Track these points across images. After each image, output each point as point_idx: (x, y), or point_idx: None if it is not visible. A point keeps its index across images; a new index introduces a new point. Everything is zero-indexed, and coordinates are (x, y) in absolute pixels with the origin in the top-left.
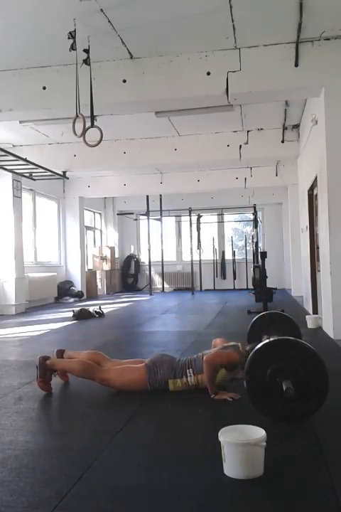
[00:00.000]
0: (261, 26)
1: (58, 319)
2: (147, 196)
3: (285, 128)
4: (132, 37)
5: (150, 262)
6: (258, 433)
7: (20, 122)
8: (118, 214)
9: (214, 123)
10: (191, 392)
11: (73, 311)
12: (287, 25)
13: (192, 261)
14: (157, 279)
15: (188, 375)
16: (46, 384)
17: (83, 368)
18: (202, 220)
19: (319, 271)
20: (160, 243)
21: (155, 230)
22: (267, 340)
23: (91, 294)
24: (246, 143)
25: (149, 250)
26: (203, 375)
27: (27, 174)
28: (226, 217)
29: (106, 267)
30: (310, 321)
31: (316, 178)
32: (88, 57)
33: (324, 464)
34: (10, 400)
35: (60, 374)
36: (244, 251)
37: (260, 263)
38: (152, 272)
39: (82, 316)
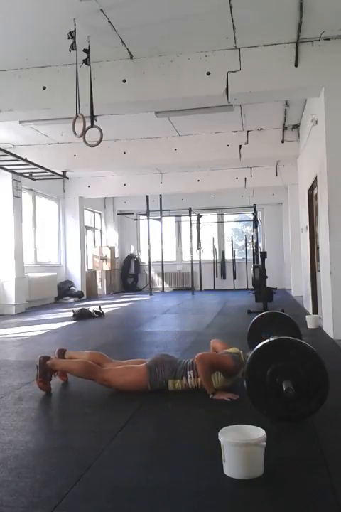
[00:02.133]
0: (261, 26)
1: (58, 319)
2: (147, 196)
3: (285, 128)
4: (132, 37)
5: (150, 262)
6: (258, 433)
7: (20, 122)
8: (118, 214)
9: (214, 123)
10: (191, 393)
11: (73, 311)
12: (287, 25)
13: (192, 261)
14: (157, 279)
15: (188, 376)
16: (46, 384)
17: (84, 368)
18: (202, 220)
19: (319, 271)
20: (160, 243)
21: (155, 230)
22: (267, 340)
23: (92, 294)
24: (246, 143)
25: (149, 250)
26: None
27: (27, 174)
28: (226, 217)
29: (106, 267)
30: (310, 321)
31: (316, 178)
32: (88, 57)
33: (324, 464)
34: (10, 400)
35: (60, 374)
36: (244, 251)
37: (260, 263)
38: (152, 272)
39: (82, 316)
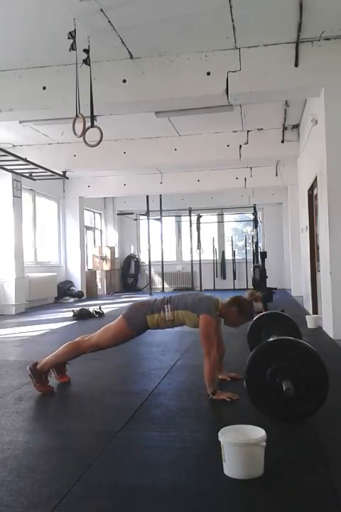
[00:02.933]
0: (261, 26)
1: (58, 319)
2: (147, 196)
3: (285, 128)
4: (132, 37)
5: (150, 262)
6: (258, 433)
7: (20, 122)
8: (118, 214)
9: (214, 123)
10: (191, 393)
11: (73, 311)
12: (287, 25)
13: (192, 261)
14: (157, 279)
15: (166, 310)
16: (45, 386)
17: (69, 348)
18: (202, 220)
19: (319, 271)
20: (160, 243)
21: (155, 230)
22: (267, 341)
23: (92, 294)
24: (246, 143)
25: (149, 250)
26: (181, 313)
27: (27, 174)
28: (226, 217)
29: (106, 267)
30: (310, 321)
31: (316, 178)
32: (88, 57)
33: (324, 463)
34: (10, 400)
35: (60, 377)
36: (244, 251)
37: (260, 263)
38: (152, 272)
39: (82, 316)
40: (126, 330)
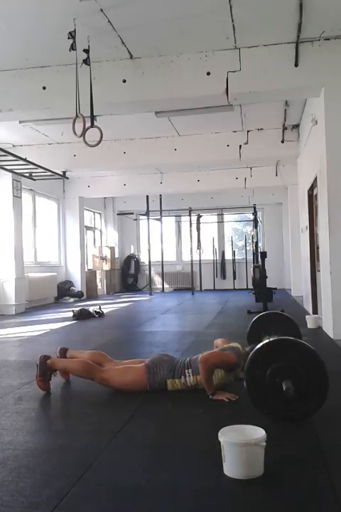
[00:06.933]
0: (261, 26)
1: (58, 319)
2: (147, 196)
3: (285, 128)
4: (132, 37)
5: (150, 262)
6: (258, 433)
7: (20, 122)
8: (118, 214)
9: (214, 123)
10: (191, 393)
11: (73, 311)
12: (287, 25)
13: (192, 261)
14: (157, 279)
15: (187, 375)
16: (45, 383)
17: (83, 368)
18: (202, 220)
19: (319, 271)
20: (160, 243)
21: (155, 230)
22: (267, 341)
23: (91, 294)
24: (246, 143)
25: (149, 250)
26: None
27: (27, 174)
28: (226, 217)
29: (106, 267)
30: (310, 321)
31: (316, 178)
32: (88, 57)
33: (324, 463)
34: (10, 400)
35: (61, 373)
36: (244, 251)
37: (260, 263)
38: (152, 272)
39: (82, 316)
40: (143, 383)
